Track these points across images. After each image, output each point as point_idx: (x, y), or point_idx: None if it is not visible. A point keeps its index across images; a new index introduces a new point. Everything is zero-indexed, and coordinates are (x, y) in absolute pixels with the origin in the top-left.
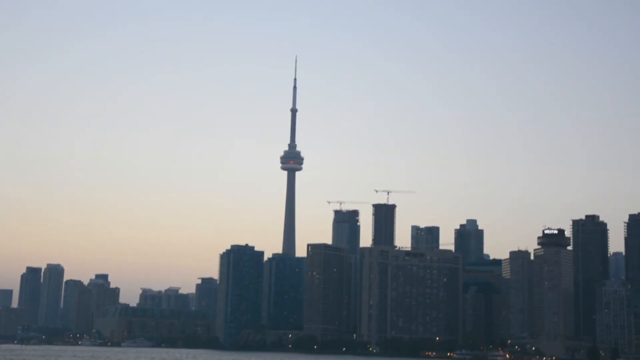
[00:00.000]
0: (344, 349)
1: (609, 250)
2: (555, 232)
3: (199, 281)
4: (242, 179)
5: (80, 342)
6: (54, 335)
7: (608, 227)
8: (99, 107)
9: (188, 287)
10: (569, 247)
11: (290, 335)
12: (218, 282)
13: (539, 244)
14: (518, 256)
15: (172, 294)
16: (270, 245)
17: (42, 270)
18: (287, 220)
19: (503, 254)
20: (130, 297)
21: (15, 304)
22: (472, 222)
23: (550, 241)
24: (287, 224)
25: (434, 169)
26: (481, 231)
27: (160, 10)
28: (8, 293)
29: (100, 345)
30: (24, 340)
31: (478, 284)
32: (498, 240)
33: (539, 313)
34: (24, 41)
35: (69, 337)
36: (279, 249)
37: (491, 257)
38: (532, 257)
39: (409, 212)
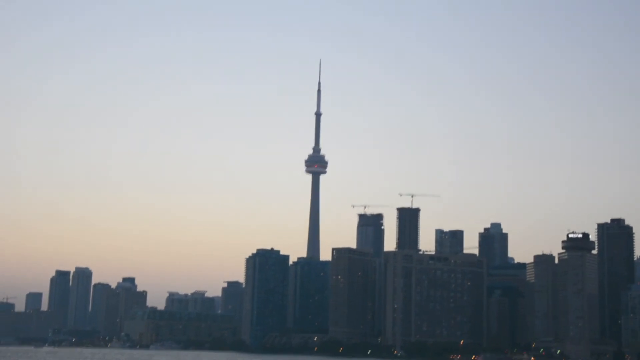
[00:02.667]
0: (369, 352)
1: (634, 254)
2: (580, 236)
3: (225, 285)
4: (267, 183)
5: (109, 345)
6: (84, 338)
7: (634, 230)
8: (129, 111)
9: (214, 290)
10: (594, 251)
11: (315, 339)
12: (244, 285)
13: (563, 247)
14: (542, 260)
15: (199, 298)
16: (294, 248)
17: (71, 274)
18: (311, 224)
19: (527, 258)
20: (156, 300)
21: (45, 306)
22: (496, 226)
23: (575, 245)
24: (311, 228)
25: (458, 172)
26: (505, 235)
27: (196, 21)
28: (38, 296)
29: (130, 347)
30: (55, 343)
31: (502, 288)
32: (522, 244)
33: (563, 317)
34: (61, 43)
35: (99, 340)
36: (303, 253)
37: (515, 261)
38: (556, 261)
39: (433, 216)
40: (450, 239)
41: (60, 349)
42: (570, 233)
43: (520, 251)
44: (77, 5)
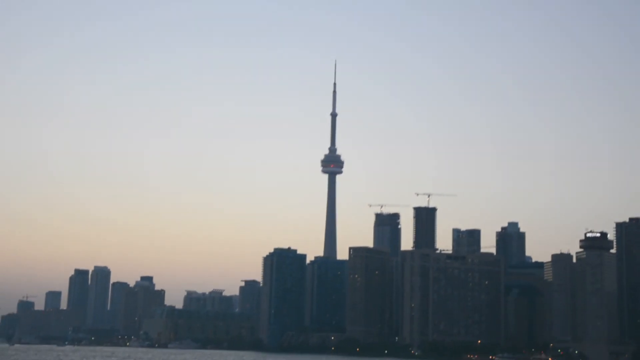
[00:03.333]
0: (386, 351)
1: None
2: (598, 235)
3: (243, 283)
4: (284, 183)
5: (128, 344)
6: (103, 337)
7: None
8: (144, 114)
9: (232, 289)
10: (612, 250)
11: (332, 338)
12: (261, 284)
13: (581, 247)
14: (560, 259)
15: (217, 296)
16: (311, 248)
17: (90, 273)
18: (328, 224)
19: (545, 257)
20: (174, 299)
21: (64, 305)
22: (513, 225)
23: (593, 244)
24: (328, 227)
25: (475, 171)
26: (523, 234)
27: (221, 33)
28: (57, 295)
29: (148, 346)
30: (74, 342)
31: (520, 287)
32: (540, 243)
33: (581, 316)
34: (94, 47)
35: (118, 339)
36: (320, 252)
37: (533, 260)
38: (574, 260)
39: (450, 215)
40: (467, 238)
41: (82, 348)
42: (588, 232)
43: (538, 250)
44: (119, 8)
